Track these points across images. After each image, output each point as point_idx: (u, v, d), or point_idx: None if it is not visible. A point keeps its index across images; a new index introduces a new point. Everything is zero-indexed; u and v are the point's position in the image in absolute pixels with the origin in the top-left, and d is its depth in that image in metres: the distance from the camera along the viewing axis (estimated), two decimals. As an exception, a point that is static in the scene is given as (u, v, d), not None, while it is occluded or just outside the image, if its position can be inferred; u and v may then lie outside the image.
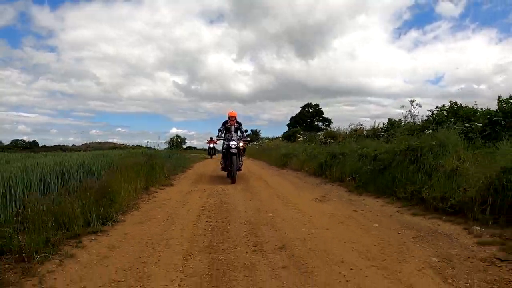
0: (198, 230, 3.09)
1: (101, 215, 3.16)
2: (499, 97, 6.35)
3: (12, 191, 2.89)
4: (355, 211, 3.90)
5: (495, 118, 5.76)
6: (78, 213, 2.89)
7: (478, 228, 3.01)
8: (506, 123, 5.74)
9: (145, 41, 63.63)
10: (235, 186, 6.01)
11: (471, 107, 6.58)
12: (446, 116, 6.20)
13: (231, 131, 6.93)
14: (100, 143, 38.24)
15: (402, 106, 6.91)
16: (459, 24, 50.64)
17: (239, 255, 2.42)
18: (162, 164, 7.31)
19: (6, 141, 35.77)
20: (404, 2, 56.14)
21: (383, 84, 59.66)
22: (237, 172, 6.74)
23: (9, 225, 2.35)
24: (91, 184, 3.48)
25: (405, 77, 60.72)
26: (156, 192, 5.30)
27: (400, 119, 7.52)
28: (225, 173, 7.15)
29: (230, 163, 6.57)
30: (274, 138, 20.61)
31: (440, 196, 3.62)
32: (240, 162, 7.12)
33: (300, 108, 45.29)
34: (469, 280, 2.03)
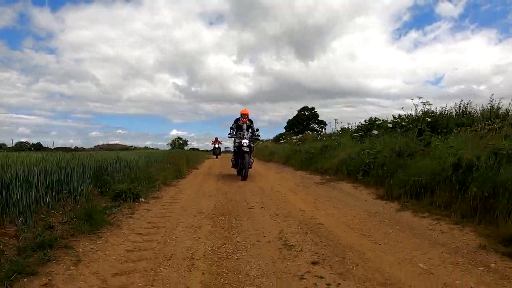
0: (218, 179, 7.80)
1: (179, 174, 7.86)
2: (399, 114, 10.85)
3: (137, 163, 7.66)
4: (288, 174, 8.60)
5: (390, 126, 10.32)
6: (171, 172, 7.60)
7: (327, 176, 7.64)
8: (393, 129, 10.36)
9: (145, 42, 63.68)
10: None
11: (385, 119, 11.16)
12: (355, 128, 10.83)
13: (242, 129, 7.31)
14: (110, 144, 41.85)
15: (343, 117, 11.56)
16: (459, 25, 51.04)
17: (235, 182, 7.13)
18: (190, 157, 12.06)
19: (9, 143, 33.61)
20: (404, 3, 56.30)
21: (383, 85, 60.38)
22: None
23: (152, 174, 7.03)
24: (172, 161, 8.23)
25: (405, 78, 60.83)
26: (192, 171, 10.04)
27: (349, 126, 12.04)
28: (235, 171, 8.10)
29: (242, 160, 7.16)
30: (267, 140, 25.26)
31: (321, 166, 8.29)
32: (251, 160, 7.57)
33: (297, 111, 48.22)
34: (305, 185, 6.66)
